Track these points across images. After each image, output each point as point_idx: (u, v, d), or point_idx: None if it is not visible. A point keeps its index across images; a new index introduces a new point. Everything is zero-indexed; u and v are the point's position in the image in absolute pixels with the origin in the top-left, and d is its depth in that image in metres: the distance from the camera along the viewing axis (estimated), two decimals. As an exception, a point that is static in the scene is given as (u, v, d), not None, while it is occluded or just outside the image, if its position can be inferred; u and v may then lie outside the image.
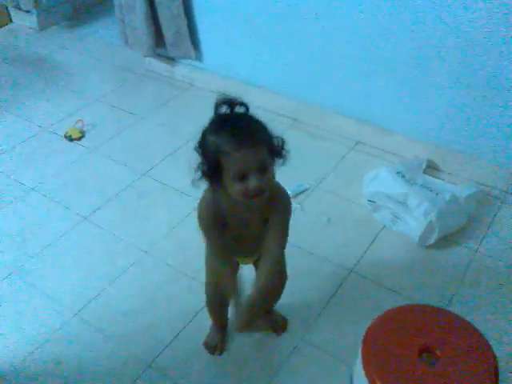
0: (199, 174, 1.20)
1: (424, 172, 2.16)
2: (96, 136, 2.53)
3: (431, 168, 2.22)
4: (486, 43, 1.86)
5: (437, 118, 2.15)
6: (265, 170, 1.15)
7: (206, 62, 2.79)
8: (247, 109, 1.19)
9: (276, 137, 1.21)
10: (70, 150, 2.45)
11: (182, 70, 2.90)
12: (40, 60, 3.17)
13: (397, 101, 2.21)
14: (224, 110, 1.18)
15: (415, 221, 1.88)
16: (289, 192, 2.04)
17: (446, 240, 1.92)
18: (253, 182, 1.14)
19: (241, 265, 1.51)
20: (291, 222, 1.31)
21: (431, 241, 1.88)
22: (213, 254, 1.38)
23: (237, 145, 1.12)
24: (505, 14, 1.77)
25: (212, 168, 1.16)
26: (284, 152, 1.22)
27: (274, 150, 1.20)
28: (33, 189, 2.22)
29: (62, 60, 3.17)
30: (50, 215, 2.10)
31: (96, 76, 3.00)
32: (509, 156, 2.05)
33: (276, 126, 2.65)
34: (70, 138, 2.50)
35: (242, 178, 1.14)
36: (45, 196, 2.18)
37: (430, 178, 2.12)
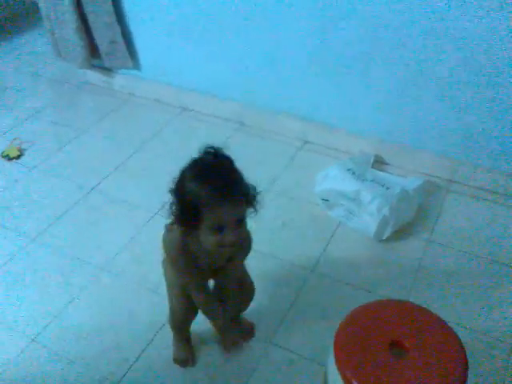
0: (172, 217, 1.20)
1: (372, 167, 2.21)
2: (36, 153, 2.43)
3: (379, 162, 2.27)
4: (424, 36, 1.92)
5: (380, 112, 2.20)
6: (241, 223, 1.18)
7: (144, 71, 2.74)
8: (231, 162, 1.18)
9: (251, 187, 1.22)
10: (9, 170, 2.34)
11: (120, 80, 2.84)
12: (-33, 77, 3.02)
13: (340, 97, 2.25)
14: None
15: (369, 216, 1.91)
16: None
17: (400, 232, 1.97)
18: (229, 236, 1.15)
19: None
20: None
21: (386, 234, 1.92)
22: (196, 290, 1.36)
23: (219, 199, 1.11)
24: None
25: (189, 215, 1.15)
26: (256, 203, 1.23)
27: (250, 201, 1.21)
28: (-28, 213, 2.11)
29: (-8, 76, 3.03)
30: (-5, 239, 2.00)
31: (30, 90, 2.89)
32: (452, 145, 2.13)
33: (223, 131, 2.68)
34: (8, 158, 2.39)
35: (219, 230, 1.14)
36: (-13, 219, 2.08)
37: (379, 172, 2.17)
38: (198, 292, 1.36)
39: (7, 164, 2.37)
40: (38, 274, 1.86)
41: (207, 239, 1.17)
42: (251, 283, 1.55)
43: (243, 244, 1.32)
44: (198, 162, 1.17)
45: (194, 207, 1.13)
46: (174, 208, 1.19)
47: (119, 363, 1.58)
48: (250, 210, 1.23)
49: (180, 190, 1.17)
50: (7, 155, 2.40)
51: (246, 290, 1.53)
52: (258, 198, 1.23)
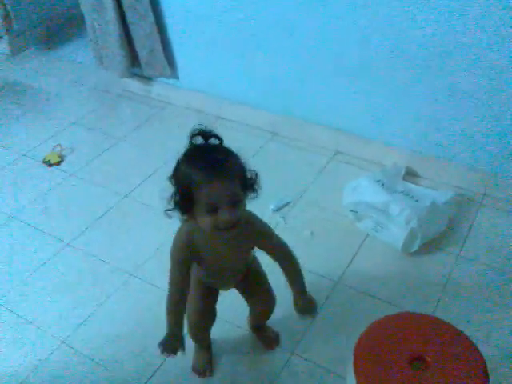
0: (172, 204, 1.21)
1: (403, 179, 2.19)
2: (75, 160, 2.51)
3: (410, 174, 2.25)
4: (460, 50, 1.90)
5: (413, 124, 2.18)
6: (236, 203, 1.16)
7: (181, 80, 2.79)
8: (221, 141, 1.20)
9: (250, 170, 1.22)
10: (50, 175, 2.43)
11: (158, 89, 2.91)
12: (14, 85, 3.15)
13: (373, 109, 2.24)
14: (199, 140, 1.19)
15: (397, 228, 1.90)
16: (272, 206, 2.09)
17: (429, 246, 1.94)
18: (223, 215, 1.14)
19: (220, 291, 1.52)
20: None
21: (414, 247, 1.90)
22: (170, 292, 1.36)
23: (208, 177, 1.12)
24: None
25: (184, 199, 1.17)
26: (257, 186, 1.24)
27: (247, 183, 1.21)
28: (13, 216, 2.20)
29: (37, 84, 3.14)
30: (32, 242, 2.07)
31: (72, 99, 2.99)
32: (485, 159, 2.09)
33: (255, 140, 2.69)
34: (49, 163, 2.48)
35: (213, 210, 1.14)
36: (26, 223, 2.16)
37: (410, 184, 2.15)
38: (172, 286, 1.34)
39: (48, 170, 2.46)
40: (69, 277, 1.93)
41: (203, 222, 1.17)
42: (270, 292, 1.54)
43: (255, 230, 1.30)
44: (189, 147, 1.19)
45: (188, 189, 1.14)
46: (174, 195, 1.20)
47: (144, 368, 1.62)
48: (250, 193, 1.23)
49: (175, 176, 1.20)
50: (48, 161, 2.49)
51: (265, 300, 1.54)
52: (258, 181, 1.23)
